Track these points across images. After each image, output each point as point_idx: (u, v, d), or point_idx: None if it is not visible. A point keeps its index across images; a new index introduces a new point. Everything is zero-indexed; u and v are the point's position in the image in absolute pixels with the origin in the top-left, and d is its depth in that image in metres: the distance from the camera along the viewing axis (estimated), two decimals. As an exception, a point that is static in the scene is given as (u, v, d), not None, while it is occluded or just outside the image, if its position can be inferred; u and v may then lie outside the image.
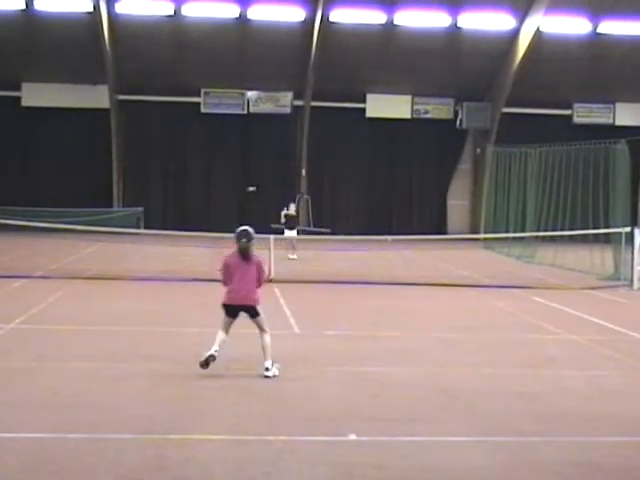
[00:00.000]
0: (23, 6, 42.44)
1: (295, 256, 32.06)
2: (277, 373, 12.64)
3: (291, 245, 32.30)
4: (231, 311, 12.91)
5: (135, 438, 9.56)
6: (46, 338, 15.47)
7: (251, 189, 38.44)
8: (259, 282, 13.04)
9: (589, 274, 28.48)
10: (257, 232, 28.60)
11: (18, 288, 22.20)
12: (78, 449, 9.22)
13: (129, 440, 9.50)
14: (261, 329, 12.96)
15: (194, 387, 11.97)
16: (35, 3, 42.34)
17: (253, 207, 47.52)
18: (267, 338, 12.87)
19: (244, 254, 12.85)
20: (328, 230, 43.23)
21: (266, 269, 13.59)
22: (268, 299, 21.29)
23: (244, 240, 12.80)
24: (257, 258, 13.09)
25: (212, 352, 12.47)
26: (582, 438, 10.12)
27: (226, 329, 12.88)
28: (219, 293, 22.35)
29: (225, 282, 13.00)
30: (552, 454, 9.49)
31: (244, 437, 9.73)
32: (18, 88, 46.31)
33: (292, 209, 33.87)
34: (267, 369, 12.62)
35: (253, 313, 12.96)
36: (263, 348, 12.80)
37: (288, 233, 32.29)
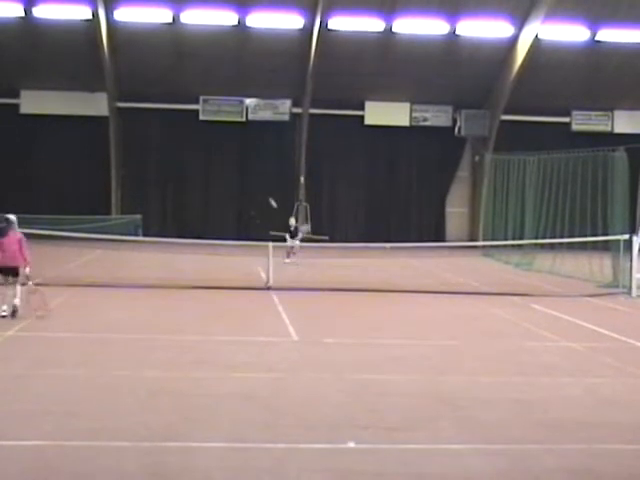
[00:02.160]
0: (22, 13, 42.45)
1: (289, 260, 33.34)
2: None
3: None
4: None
5: (134, 445, 9.55)
6: (45, 345, 15.47)
7: (273, 204, 38.69)
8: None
9: (588, 281, 28.47)
10: (255, 240, 28.50)
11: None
12: (77, 456, 9.21)
13: (128, 447, 9.49)
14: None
15: (193, 394, 11.96)
16: (34, 10, 42.35)
17: (251, 214, 47.54)
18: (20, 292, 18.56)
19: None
20: (326, 238, 43.27)
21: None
22: (267, 306, 21.36)
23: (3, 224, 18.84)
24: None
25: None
26: (581, 446, 10.11)
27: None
28: (218, 301, 22.39)
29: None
30: (551, 462, 9.49)
31: (243, 444, 9.72)
32: (17, 95, 46.34)
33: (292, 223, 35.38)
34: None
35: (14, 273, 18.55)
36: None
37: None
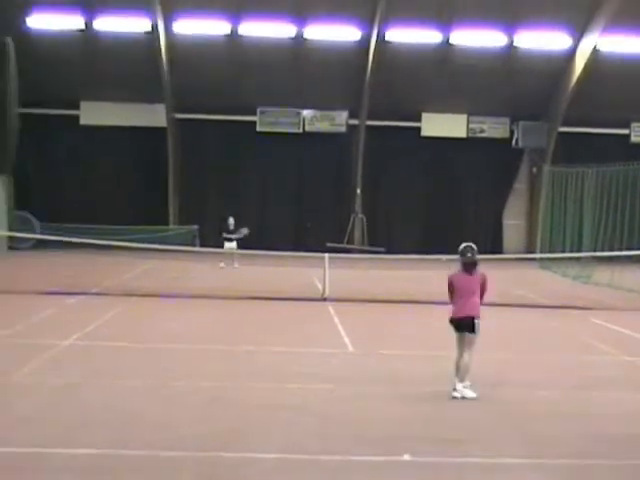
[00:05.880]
0: (83, 26, 43.00)
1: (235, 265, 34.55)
2: (468, 395, 12.82)
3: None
4: (457, 326, 13.37)
5: (190, 456, 9.56)
6: (102, 355, 15.57)
7: None
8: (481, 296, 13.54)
9: (647, 295, 28.08)
10: (312, 251, 28.44)
11: (74, 304, 22.38)
12: (134, 466, 9.25)
13: (184, 458, 9.51)
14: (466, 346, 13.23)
15: (248, 406, 11.96)
16: (94, 23, 42.88)
17: (308, 226, 47.56)
18: (466, 358, 13.07)
19: (468, 268, 13.39)
20: (382, 249, 43.17)
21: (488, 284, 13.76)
22: (322, 317, 21.36)
23: (469, 255, 13.34)
24: (481, 272, 13.56)
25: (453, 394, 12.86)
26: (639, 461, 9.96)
27: (458, 347, 13.30)
28: (273, 311, 22.41)
29: (451, 298, 13.53)
30: (612, 478, 9.34)
31: (298, 456, 9.70)
32: (77, 107, 46.80)
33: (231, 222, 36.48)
34: (455, 389, 12.91)
35: (470, 328, 13.23)
36: (457, 367, 13.11)
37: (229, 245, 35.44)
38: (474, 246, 13.43)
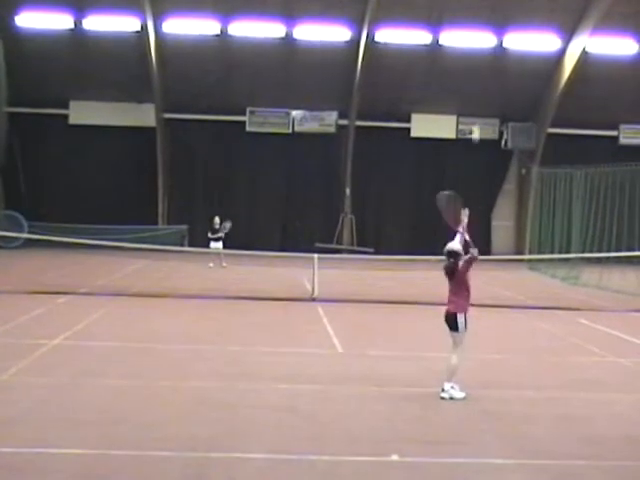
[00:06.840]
0: (72, 25, 42.93)
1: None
2: (456, 396, 12.72)
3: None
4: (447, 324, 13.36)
5: (177, 456, 9.56)
6: (90, 354, 15.54)
7: None
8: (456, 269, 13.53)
9: (636, 296, 28.14)
10: (302, 251, 28.35)
11: (63, 304, 22.34)
12: (121, 466, 9.24)
13: (172, 458, 9.51)
14: (453, 345, 13.14)
15: (237, 405, 11.96)
16: (84, 22, 42.82)
17: (297, 225, 47.55)
18: (453, 358, 12.96)
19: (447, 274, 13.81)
20: (372, 250, 43.22)
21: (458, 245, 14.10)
22: (311, 318, 21.35)
23: (451, 260, 13.96)
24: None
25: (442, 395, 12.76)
26: (628, 462, 9.98)
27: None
28: (262, 312, 22.39)
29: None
30: (597, 479, 9.37)
31: (287, 456, 9.71)
32: (66, 106, 46.73)
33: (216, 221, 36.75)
34: (443, 390, 12.81)
35: (450, 324, 13.21)
36: (446, 368, 12.98)
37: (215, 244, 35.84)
38: (458, 250, 14.10)
